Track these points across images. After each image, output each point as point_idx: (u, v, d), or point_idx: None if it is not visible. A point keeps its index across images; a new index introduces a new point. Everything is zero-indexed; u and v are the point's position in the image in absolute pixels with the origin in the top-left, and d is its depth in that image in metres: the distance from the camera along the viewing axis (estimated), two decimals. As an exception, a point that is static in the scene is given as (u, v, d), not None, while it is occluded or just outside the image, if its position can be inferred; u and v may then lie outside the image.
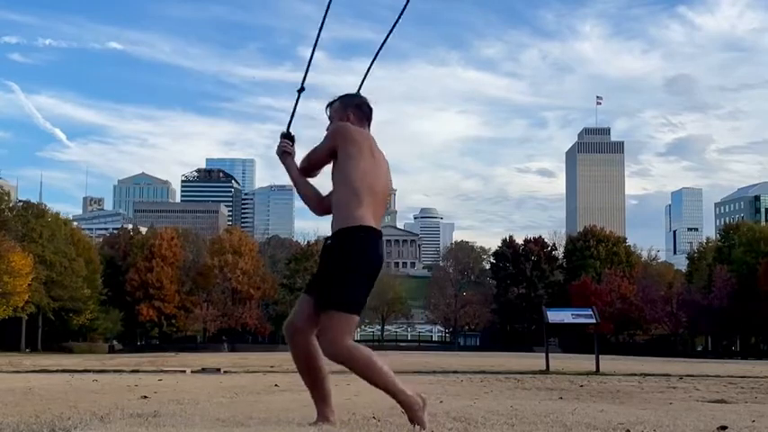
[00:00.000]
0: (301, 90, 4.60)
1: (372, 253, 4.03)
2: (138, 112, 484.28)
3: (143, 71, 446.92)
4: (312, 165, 4.34)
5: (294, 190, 4.60)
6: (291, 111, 4.67)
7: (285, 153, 4.47)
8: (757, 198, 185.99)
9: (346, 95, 4.46)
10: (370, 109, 4.43)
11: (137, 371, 17.22)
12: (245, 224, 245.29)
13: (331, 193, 4.24)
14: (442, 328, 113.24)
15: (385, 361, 4.09)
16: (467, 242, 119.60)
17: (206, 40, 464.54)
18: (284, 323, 4.16)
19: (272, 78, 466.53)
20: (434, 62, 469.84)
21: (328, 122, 4.41)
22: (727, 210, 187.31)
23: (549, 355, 20.62)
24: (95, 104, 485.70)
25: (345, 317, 3.95)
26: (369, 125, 4.39)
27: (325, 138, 4.26)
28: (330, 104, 4.45)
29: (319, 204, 4.40)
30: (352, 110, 4.35)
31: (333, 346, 3.93)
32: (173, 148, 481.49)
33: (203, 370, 17.70)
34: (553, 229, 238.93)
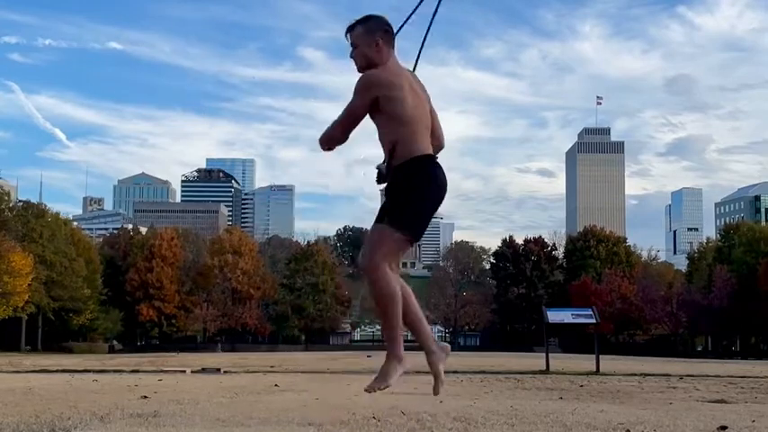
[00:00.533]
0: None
1: (441, 179, 3.96)
2: (138, 112, 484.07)
3: (143, 71, 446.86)
4: (350, 118, 4.01)
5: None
6: None
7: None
8: (757, 198, 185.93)
9: (368, 18, 4.09)
10: (393, 31, 4.12)
11: (137, 371, 17.22)
12: (245, 224, 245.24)
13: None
14: (441, 329, 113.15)
15: (417, 308, 4.04)
16: (467, 242, 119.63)
17: (206, 40, 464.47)
18: (361, 260, 3.94)
19: (271, 78, 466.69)
20: (434, 62, 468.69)
21: (351, 49, 4.08)
22: (727, 210, 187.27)
23: (549, 355, 20.62)
24: (95, 104, 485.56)
25: (390, 233, 3.85)
26: (393, 48, 4.10)
27: (361, 90, 3.93)
28: (351, 29, 4.07)
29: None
30: (380, 35, 4.02)
31: (364, 258, 3.85)
32: (172, 148, 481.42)
33: (203, 370, 17.70)
34: (553, 229, 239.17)
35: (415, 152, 3.93)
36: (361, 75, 3.97)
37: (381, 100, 3.91)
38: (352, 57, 4.09)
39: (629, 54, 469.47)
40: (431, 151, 4.01)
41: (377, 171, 4.14)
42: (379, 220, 3.97)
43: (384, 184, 4.06)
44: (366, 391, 4.02)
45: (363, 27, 4.05)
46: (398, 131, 3.94)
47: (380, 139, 4.03)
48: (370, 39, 4.01)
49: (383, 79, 3.91)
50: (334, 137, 4.07)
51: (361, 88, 3.93)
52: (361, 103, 3.95)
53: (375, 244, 3.87)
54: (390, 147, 3.95)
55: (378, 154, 4.21)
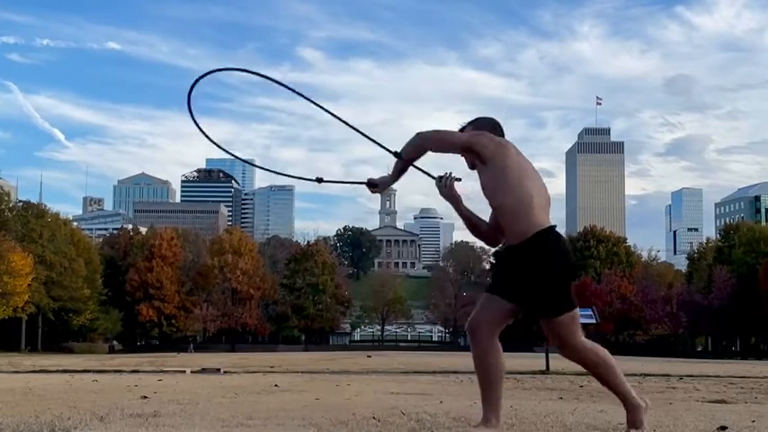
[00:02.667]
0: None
1: (568, 254, 4.01)
2: (137, 112, 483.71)
3: (141, 71, 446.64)
4: (440, 143, 4.11)
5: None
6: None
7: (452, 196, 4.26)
8: (757, 198, 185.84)
9: (478, 118, 4.31)
10: (503, 131, 4.27)
11: (137, 371, 17.22)
12: (245, 224, 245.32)
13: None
14: (442, 329, 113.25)
15: (616, 362, 4.14)
16: (467, 242, 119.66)
17: (204, 41, 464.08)
18: (468, 321, 4.08)
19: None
20: (432, 62, 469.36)
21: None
22: (727, 210, 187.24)
23: (549, 355, 20.60)
24: (94, 104, 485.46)
25: (568, 317, 3.95)
26: None
27: (468, 132, 4.14)
28: (461, 130, 4.27)
29: (493, 234, 4.25)
30: (488, 130, 4.18)
31: (566, 347, 4.00)
32: (171, 149, 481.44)
33: (203, 370, 17.69)
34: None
35: (541, 224, 3.93)
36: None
37: (489, 162, 3.97)
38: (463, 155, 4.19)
39: (628, 54, 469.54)
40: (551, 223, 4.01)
41: (438, 178, 4.24)
42: (495, 290, 4.04)
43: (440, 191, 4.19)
44: None
45: (472, 126, 4.24)
46: (512, 198, 3.95)
47: (493, 201, 4.04)
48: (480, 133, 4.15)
49: (494, 139, 4.03)
50: (426, 141, 4.12)
51: (471, 136, 4.06)
52: (464, 140, 4.06)
53: (567, 334, 3.99)
54: (505, 213, 3.97)
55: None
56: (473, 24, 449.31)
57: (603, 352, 4.09)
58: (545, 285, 3.86)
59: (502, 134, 4.23)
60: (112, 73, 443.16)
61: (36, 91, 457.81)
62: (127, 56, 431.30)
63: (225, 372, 17.05)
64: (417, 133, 4.14)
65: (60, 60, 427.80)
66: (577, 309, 4.03)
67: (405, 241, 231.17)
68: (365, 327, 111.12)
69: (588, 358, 4.03)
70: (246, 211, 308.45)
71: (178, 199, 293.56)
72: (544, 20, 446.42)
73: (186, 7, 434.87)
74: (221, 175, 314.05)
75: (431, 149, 4.12)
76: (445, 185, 4.20)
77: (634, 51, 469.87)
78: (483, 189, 4.08)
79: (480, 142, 3.99)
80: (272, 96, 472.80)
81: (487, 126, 4.21)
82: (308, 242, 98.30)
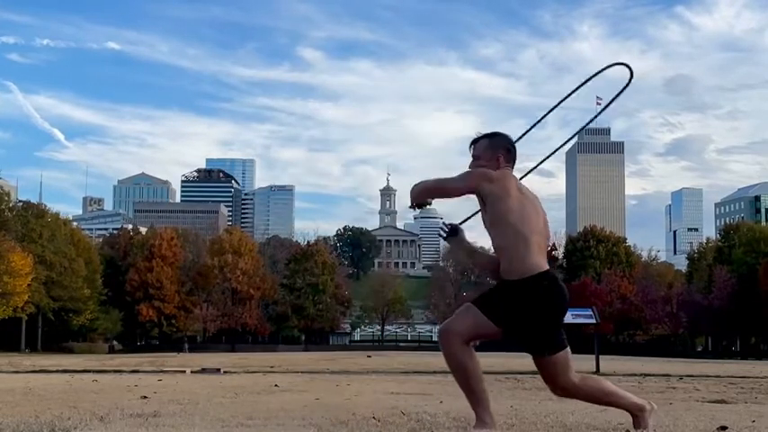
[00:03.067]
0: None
1: (561, 298, 4.01)
2: (137, 112, 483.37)
3: (141, 71, 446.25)
4: (442, 192, 4.18)
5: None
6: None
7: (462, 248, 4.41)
8: (757, 198, 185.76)
9: (495, 135, 4.28)
10: (515, 153, 4.30)
11: (137, 371, 17.21)
12: (245, 224, 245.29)
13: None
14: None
15: (610, 382, 4.26)
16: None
17: (204, 41, 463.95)
18: (443, 326, 4.09)
19: (270, 78, 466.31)
20: (432, 62, 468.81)
21: (471, 160, 4.24)
22: (727, 210, 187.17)
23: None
24: (93, 104, 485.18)
25: (559, 356, 4.02)
26: (513, 168, 4.29)
27: (465, 175, 4.10)
28: (475, 142, 4.26)
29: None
30: (502, 153, 4.20)
31: (559, 386, 4.09)
32: (171, 149, 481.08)
33: (203, 370, 17.69)
34: (553, 230, 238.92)
35: (535, 268, 3.95)
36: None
37: (489, 198, 4.00)
38: (470, 167, 4.20)
39: (628, 54, 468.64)
40: (546, 265, 4.02)
41: (445, 228, 4.35)
42: (479, 303, 4.05)
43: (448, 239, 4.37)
44: None
45: (488, 141, 4.21)
46: (508, 236, 3.98)
47: (493, 240, 4.08)
48: (493, 154, 4.17)
49: (494, 176, 4.01)
50: (432, 189, 4.17)
51: (470, 175, 4.08)
52: (460, 185, 4.07)
53: (559, 372, 4.05)
54: (502, 250, 4.02)
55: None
56: (473, 24, 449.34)
57: (594, 382, 4.18)
58: (536, 327, 3.96)
59: (514, 156, 4.26)
60: (112, 73, 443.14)
61: (36, 91, 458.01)
62: (126, 56, 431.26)
63: (225, 372, 17.05)
64: (416, 184, 4.19)
65: (60, 60, 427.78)
66: (568, 349, 4.06)
67: (405, 241, 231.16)
68: (365, 327, 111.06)
69: (581, 395, 4.13)
70: (246, 211, 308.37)
71: (178, 199, 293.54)
72: (544, 20, 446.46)
73: (186, 7, 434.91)
74: (221, 175, 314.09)
75: (431, 197, 4.17)
76: (456, 239, 4.34)
77: (634, 51, 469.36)
78: (484, 223, 4.12)
79: (481, 187, 4.00)
80: (272, 96, 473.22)
81: (503, 148, 4.21)
82: (308, 242, 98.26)
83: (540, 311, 3.93)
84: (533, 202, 4.11)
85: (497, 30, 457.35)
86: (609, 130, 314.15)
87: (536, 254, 3.96)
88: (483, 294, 4.13)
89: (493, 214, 4.01)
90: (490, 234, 4.08)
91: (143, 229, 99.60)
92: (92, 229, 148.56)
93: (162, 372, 16.90)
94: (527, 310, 3.92)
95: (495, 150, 4.18)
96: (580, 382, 4.09)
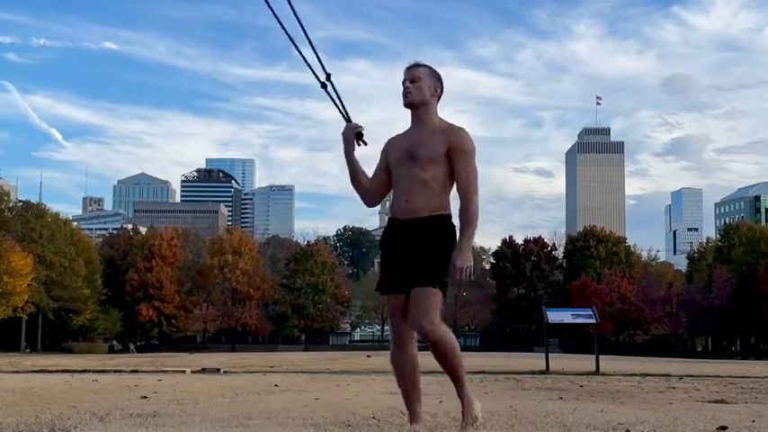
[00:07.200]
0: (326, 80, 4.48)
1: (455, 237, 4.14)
2: (134, 111, 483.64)
3: (138, 71, 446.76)
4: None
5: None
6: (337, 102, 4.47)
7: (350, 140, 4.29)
8: (757, 198, 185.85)
9: (433, 70, 4.29)
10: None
11: (136, 371, 17.21)
12: (245, 224, 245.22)
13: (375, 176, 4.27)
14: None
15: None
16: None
17: (201, 40, 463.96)
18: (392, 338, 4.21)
19: (267, 78, 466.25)
20: (429, 62, 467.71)
21: (408, 75, 4.19)
22: (727, 210, 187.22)
23: (549, 355, 20.59)
24: (91, 104, 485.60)
25: (436, 293, 3.97)
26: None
27: (472, 159, 4.18)
28: (417, 66, 4.25)
29: (373, 197, 4.36)
30: (440, 87, 4.26)
31: (427, 323, 3.96)
32: (169, 148, 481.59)
33: (203, 370, 17.69)
34: (553, 230, 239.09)
35: (449, 210, 4.13)
36: (466, 134, 4.18)
37: (457, 153, 4.11)
38: (404, 86, 4.19)
39: (625, 54, 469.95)
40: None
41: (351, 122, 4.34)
42: (392, 287, 4.08)
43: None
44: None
45: (431, 70, 4.24)
46: (440, 182, 4.09)
47: (420, 184, 4.09)
48: (435, 83, 4.21)
49: (471, 144, 4.20)
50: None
51: (455, 135, 4.16)
52: (441, 148, 4.16)
53: (431, 308, 3.97)
54: (423, 184, 4.06)
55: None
56: (469, 24, 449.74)
57: (454, 339, 4.12)
58: (440, 257, 3.99)
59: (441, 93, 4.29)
60: (109, 73, 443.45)
61: (33, 91, 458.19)
62: (123, 55, 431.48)
63: (225, 372, 17.04)
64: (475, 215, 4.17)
65: (57, 60, 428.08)
66: (442, 297, 4.03)
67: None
68: (365, 327, 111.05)
69: (442, 342, 4.01)
70: (246, 211, 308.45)
71: (178, 199, 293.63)
72: (541, 20, 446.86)
73: (182, 7, 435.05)
74: (221, 175, 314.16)
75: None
76: (353, 128, 4.29)
77: (631, 51, 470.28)
78: (411, 149, 4.10)
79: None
80: (269, 96, 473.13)
81: (441, 83, 4.26)
82: (308, 242, 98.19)
83: (444, 245, 4.00)
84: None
85: (494, 29, 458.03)
86: (609, 129, 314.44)
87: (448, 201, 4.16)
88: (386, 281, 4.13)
89: (448, 164, 4.10)
90: (417, 165, 4.07)
91: (143, 229, 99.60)
92: (92, 229, 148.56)
93: (162, 372, 16.89)
94: (434, 241, 3.99)
95: (436, 81, 4.23)
96: (446, 331, 4.02)
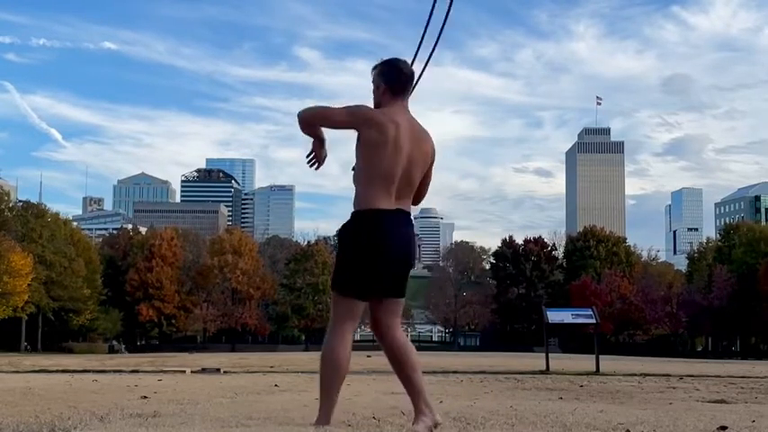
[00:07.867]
0: None
1: (364, 236, 3.84)
2: (134, 111, 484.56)
3: (137, 71, 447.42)
4: (325, 120, 4.07)
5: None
6: None
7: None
8: (757, 198, 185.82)
9: (383, 63, 4.10)
10: (408, 78, 4.09)
11: (136, 371, 17.20)
12: (245, 224, 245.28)
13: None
14: (441, 329, 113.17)
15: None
16: (467, 242, 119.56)
17: (200, 40, 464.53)
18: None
19: (266, 78, 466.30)
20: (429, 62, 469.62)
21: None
22: (727, 210, 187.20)
23: (549, 355, 20.59)
24: (90, 104, 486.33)
25: (333, 296, 3.95)
26: (405, 95, 4.08)
27: (354, 109, 3.94)
28: (375, 67, 4.12)
29: None
30: (383, 79, 4.04)
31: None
32: (168, 148, 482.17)
33: (203, 370, 17.68)
34: (552, 230, 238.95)
35: (365, 205, 3.89)
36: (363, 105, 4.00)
37: (362, 136, 3.92)
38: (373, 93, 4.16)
39: (624, 54, 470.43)
40: (385, 206, 3.87)
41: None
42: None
43: None
44: None
45: (378, 69, 4.09)
46: (361, 177, 3.96)
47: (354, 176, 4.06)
48: (377, 81, 4.07)
49: (372, 117, 3.90)
50: (307, 120, 4.08)
51: (351, 110, 3.94)
52: (339, 119, 3.97)
53: (332, 314, 3.97)
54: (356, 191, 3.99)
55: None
56: (469, 24, 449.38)
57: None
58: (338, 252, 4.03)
59: (403, 85, 4.07)
60: (109, 73, 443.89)
61: (32, 91, 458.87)
62: (123, 55, 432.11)
63: (225, 372, 17.04)
64: (303, 109, 4.09)
65: (57, 60, 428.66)
66: (346, 300, 3.91)
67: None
68: (365, 327, 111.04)
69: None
70: (246, 211, 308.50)
71: (178, 199, 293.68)
72: (540, 20, 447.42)
73: (182, 7, 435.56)
74: (221, 175, 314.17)
75: (317, 123, 4.15)
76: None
77: (630, 51, 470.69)
78: (356, 149, 4.05)
79: (361, 130, 3.95)
80: (268, 96, 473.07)
81: (385, 79, 4.07)
82: (308, 242, 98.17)
83: (344, 246, 3.97)
84: (406, 155, 3.94)
85: (493, 29, 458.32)
86: (609, 129, 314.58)
87: (375, 192, 3.89)
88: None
89: (359, 150, 3.99)
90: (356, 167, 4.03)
91: (143, 229, 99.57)
92: (92, 229, 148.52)
93: (162, 372, 16.89)
94: (339, 243, 4.03)
95: (378, 81, 4.07)
96: (340, 341, 3.94)
